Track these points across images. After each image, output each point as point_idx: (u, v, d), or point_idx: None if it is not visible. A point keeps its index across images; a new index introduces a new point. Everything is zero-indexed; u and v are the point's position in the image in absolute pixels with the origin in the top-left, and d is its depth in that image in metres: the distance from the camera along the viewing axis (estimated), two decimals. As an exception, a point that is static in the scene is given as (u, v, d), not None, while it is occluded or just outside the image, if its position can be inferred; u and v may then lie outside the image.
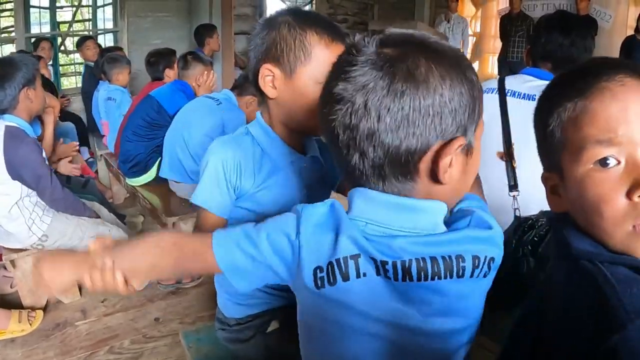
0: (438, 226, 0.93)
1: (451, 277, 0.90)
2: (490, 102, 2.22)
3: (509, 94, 2.22)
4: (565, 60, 2.19)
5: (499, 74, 8.62)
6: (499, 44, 8.76)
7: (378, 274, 0.90)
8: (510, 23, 8.34)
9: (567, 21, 2.26)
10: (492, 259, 0.95)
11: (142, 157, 3.59)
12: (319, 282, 0.91)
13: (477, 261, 0.92)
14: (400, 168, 0.87)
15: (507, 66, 8.32)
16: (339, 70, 0.88)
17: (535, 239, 1.84)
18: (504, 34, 8.45)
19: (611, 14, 8.04)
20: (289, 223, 0.96)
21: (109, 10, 8.20)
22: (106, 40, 7.90)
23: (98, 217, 3.21)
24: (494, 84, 2.31)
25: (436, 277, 0.89)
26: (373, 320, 0.93)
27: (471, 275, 0.92)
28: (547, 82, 2.11)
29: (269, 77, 1.36)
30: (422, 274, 0.89)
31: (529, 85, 2.21)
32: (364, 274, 0.89)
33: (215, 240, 0.99)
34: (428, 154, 0.86)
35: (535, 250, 1.86)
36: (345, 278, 0.90)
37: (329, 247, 0.91)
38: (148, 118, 3.57)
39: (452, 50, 0.91)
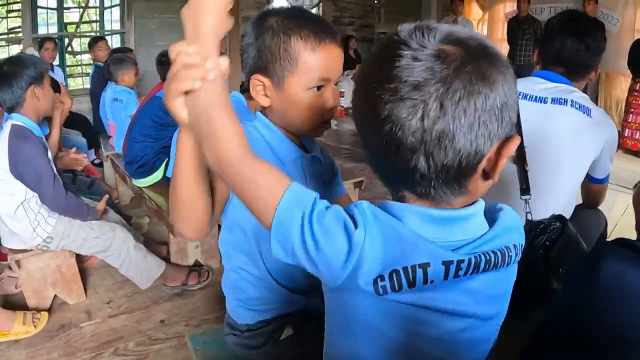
0: (484, 224, 0.97)
1: (502, 266, 0.95)
2: None
3: (520, 96, 2.16)
4: (580, 65, 2.18)
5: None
6: (506, 47, 8.69)
7: (445, 278, 0.88)
8: (517, 26, 8.28)
9: (581, 25, 2.21)
10: (521, 244, 1.03)
11: (149, 158, 3.57)
12: (380, 290, 0.87)
13: (516, 249, 0.99)
14: (465, 170, 0.86)
15: (515, 69, 8.23)
16: (392, 67, 0.83)
17: (547, 243, 1.83)
18: (512, 38, 8.40)
19: (618, 17, 7.99)
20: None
21: (116, 11, 8.23)
22: (113, 42, 7.92)
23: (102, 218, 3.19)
24: None
25: (491, 268, 0.93)
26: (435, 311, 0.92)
27: (513, 262, 0.99)
28: (560, 85, 2.10)
29: (260, 86, 1.37)
30: (480, 267, 0.91)
31: (541, 87, 2.17)
32: (432, 282, 0.87)
33: (289, 192, 0.87)
34: (490, 154, 0.86)
35: (547, 254, 1.83)
36: (412, 285, 0.87)
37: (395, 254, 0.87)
38: (155, 118, 3.55)
39: (498, 50, 0.91)
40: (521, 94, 2.15)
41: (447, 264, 0.87)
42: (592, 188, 2.38)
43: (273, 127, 1.43)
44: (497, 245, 0.94)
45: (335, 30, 1.37)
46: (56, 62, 6.69)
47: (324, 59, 1.32)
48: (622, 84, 7.95)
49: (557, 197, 2.11)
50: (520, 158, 2.00)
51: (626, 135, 7.53)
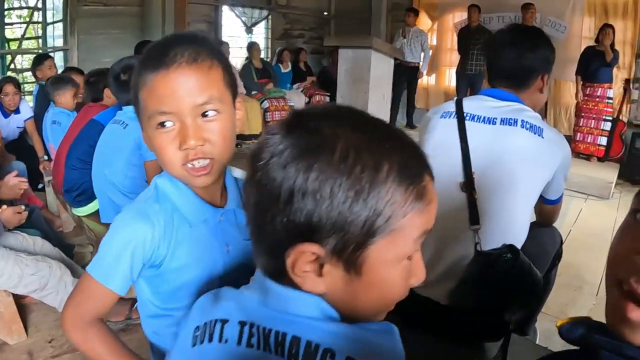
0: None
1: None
2: (449, 127, 2.08)
3: (467, 117, 2.06)
4: (521, 71, 2.10)
5: (456, 88, 8.68)
6: (456, 57, 8.78)
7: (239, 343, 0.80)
8: (468, 36, 8.36)
9: (515, 35, 2.16)
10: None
11: (88, 185, 3.40)
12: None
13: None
14: None
15: (466, 79, 8.40)
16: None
17: (498, 274, 1.76)
18: (462, 47, 8.47)
19: (566, 25, 8.15)
20: None
21: (59, 27, 7.99)
22: (56, 59, 7.67)
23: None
24: (452, 107, 2.15)
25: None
26: None
27: None
28: (510, 103, 2.03)
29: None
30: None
31: (489, 106, 2.07)
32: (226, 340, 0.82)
33: None
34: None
35: (498, 287, 1.77)
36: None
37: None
38: (93, 143, 3.37)
39: None
40: (468, 115, 2.05)
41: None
42: (545, 209, 2.30)
43: (179, 184, 1.25)
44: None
45: (173, 57, 1.15)
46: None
47: (161, 92, 1.15)
48: (571, 89, 8.13)
49: (509, 225, 1.99)
50: (468, 185, 1.92)
51: (577, 139, 7.73)
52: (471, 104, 2.10)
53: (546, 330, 3.07)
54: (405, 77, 8.78)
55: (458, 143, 2.00)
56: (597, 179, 6.79)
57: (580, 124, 7.73)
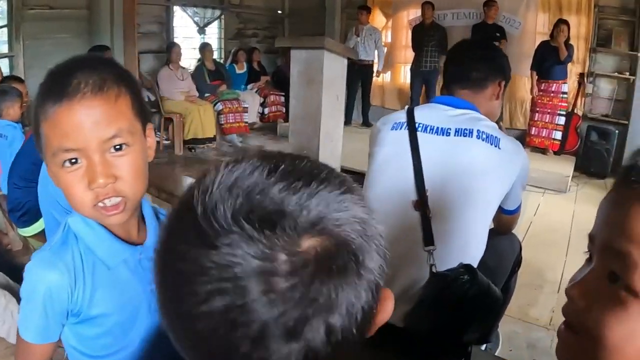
0: None
1: None
2: (400, 139, 1.94)
3: (419, 128, 1.93)
4: (476, 77, 2.03)
5: (411, 85, 8.68)
6: (410, 54, 8.75)
7: None
8: (422, 33, 8.35)
9: (472, 43, 2.12)
10: None
11: (32, 204, 3.21)
12: None
13: None
14: None
15: (421, 76, 8.40)
16: None
17: (455, 297, 1.66)
18: (417, 44, 8.46)
19: (520, 20, 8.18)
20: None
21: (3, 32, 7.71)
22: (1, 66, 7.39)
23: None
24: (402, 117, 2.01)
25: None
26: None
27: None
28: (465, 111, 1.93)
29: None
30: None
31: (442, 115, 1.96)
32: None
33: None
34: None
35: (455, 309, 1.67)
36: None
37: None
38: (35, 159, 3.20)
39: None
40: (420, 125, 1.93)
41: None
42: (504, 219, 2.20)
43: (92, 224, 1.13)
44: None
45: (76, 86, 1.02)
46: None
47: (64, 128, 1.03)
48: (525, 84, 8.18)
49: (466, 244, 1.87)
50: (421, 204, 1.80)
51: (533, 133, 7.84)
52: (423, 114, 1.99)
53: (509, 332, 3.03)
54: (360, 75, 8.74)
55: (410, 157, 1.88)
56: (553, 173, 6.83)
57: (536, 119, 7.82)
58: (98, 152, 1.03)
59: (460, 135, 1.87)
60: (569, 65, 7.62)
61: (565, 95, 7.69)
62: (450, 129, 1.90)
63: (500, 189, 1.89)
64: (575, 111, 7.93)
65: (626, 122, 7.80)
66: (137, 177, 1.09)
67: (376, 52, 8.93)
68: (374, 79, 9.24)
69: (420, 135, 1.91)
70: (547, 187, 6.73)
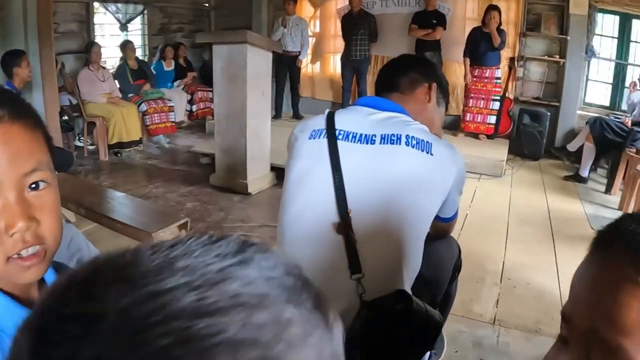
0: None
1: None
2: (318, 150, 1.67)
3: (340, 136, 1.67)
4: (405, 79, 1.84)
5: (342, 74, 8.57)
6: (340, 43, 8.64)
7: None
8: (351, 22, 8.23)
9: (399, 57, 1.95)
10: None
11: None
12: None
13: None
14: None
15: (351, 65, 8.30)
16: None
17: (390, 327, 1.46)
18: (346, 33, 8.34)
19: (450, 7, 8.17)
20: None
21: None
22: None
23: None
24: (321, 123, 1.73)
25: None
26: None
27: None
28: (393, 115, 1.66)
29: None
30: None
31: (366, 120, 1.71)
32: None
33: None
34: None
35: (389, 339, 1.47)
36: None
37: None
38: None
39: None
40: (342, 133, 1.67)
41: None
42: (440, 226, 1.96)
43: None
44: None
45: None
46: None
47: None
48: (457, 70, 8.22)
49: (399, 265, 1.61)
50: (344, 226, 1.55)
51: (467, 119, 7.95)
52: (345, 118, 1.73)
53: (453, 332, 2.89)
54: (287, 67, 8.62)
55: (329, 171, 1.62)
56: (488, 158, 6.84)
57: (470, 105, 7.87)
58: (15, 189, 0.82)
59: (387, 143, 1.63)
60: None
61: (499, 81, 7.79)
62: (375, 136, 1.65)
63: (435, 200, 1.67)
64: (506, 95, 8.05)
65: (557, 104, 7.99)
66: (58, 221, 0.88)
67: (302, 43, 8.72)
68: (303, 70, 9.07)
69: (341, 144, 1.65)
70: (483, 173, 6.74)
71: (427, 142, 1.64)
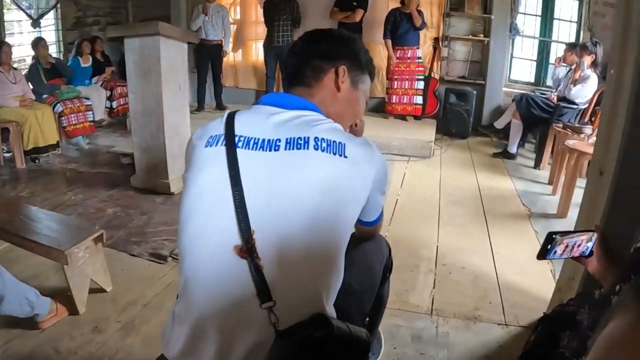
0: None
1: None
2: (216, 160, 1.42)
3: (240, 143, 1.43)
4: (309, 68, 1.62)
5: (265, 61, 8.46)
6: (262, 30, 8.50)
7: None
8: (273, 7, 8.09)
9: (300, 39, 1.71)
10: None
11: None
12: None
13: None
14: None
15: (274, 51, 8.20)
16: None
17: (310, 357, 1.24)
18: (268, 19, 8.19)
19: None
20: None
21: None
22: None
23: None
24: (220, 127, 1.50)
25: None
26: None
27: None
28: (301, 113, 1.38)
29: None
30: None
31: (269, 122, 1.46)
32: None
33: None
34: None
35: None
36: None
37: None
38: None
39: None
40: (242, 139, 1.44)
41: None
42: (365, 230, 1.80)
43: None
44: None
45: None
46: None
47: None
48: (380, 53, 8.18)
49: (315, 286, 1.39)
50: (248, 249, 1.32)
51: (393, 102, 8.03)
52: (245, 122, 1.50)
53: (390, 327, 2.80)
54: (209, 56, 8.45)
55: (228, 186, 1.38)
56: (416, 140, 6.84)
57: (395, 87, 7.87)
58: None
59: (294, 148, 1.40)
60: (424, 30, 7.75)
61: (421, 60, 7.82)
62: (279, 141, 1.42)
63: (354, 207, 1.47)
64: (432, 75, 8.14)
65: (483, 82, 8.15)
66: None
67: (223, 31, 8.49)
68: (225, 58, 8.86)
69: (241, 152, 1.41)
70: (412, 154, 6.74)
71: (340, 143, 1.42)
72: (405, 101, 7.90)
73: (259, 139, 1.43)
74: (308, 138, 1.40)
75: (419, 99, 7.90)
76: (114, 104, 8.30)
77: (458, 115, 7.77)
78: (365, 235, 1.84)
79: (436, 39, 8.21)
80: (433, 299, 3.14)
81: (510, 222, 4.59)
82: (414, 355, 2.63)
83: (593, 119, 5.86)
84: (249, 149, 1.41)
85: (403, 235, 4.05)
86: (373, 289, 1.83)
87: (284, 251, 1.33)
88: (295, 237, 1.34)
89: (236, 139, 1.44)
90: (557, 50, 7.87)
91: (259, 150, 1.41)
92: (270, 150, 1.40)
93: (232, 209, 1.35)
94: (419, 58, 7.79)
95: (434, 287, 3.29)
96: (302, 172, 1.37)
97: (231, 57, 9.26)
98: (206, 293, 1.33)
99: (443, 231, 4.26)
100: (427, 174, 6.05)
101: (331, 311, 1.41)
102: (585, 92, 6.10)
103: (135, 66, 4.57)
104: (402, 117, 7.98)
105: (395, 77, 7.78)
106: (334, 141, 1.42)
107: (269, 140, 1.42)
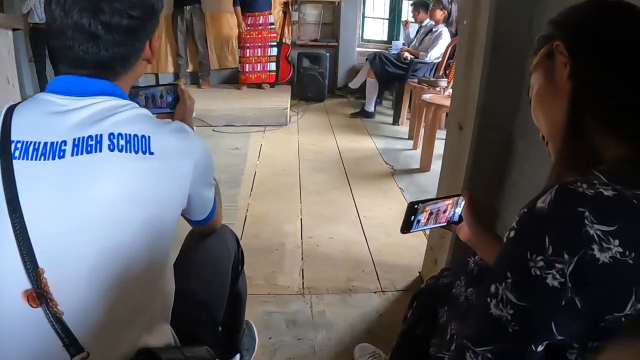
0: None
1: None
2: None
3: (17, 152, 1.03)
4: (109, 63, 1.14)
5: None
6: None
7: None
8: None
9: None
10: None
11: None
12: None
13: None
14: None
15: None
16: None
17: None
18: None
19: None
20: None
21: None
22: None
23: None
24: None
25: None
26: None
27: None
28: (95, 100, 0.99)
29: None
30: None
31: (56, 119, 1.07)
32: None
33: None
34: None
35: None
36: None
37: None
38: None
39: None
40: (20, 145, 1.03)
41: None
42: (200, 229, 1.54)
43: None
44: None
45: None
46: None
47: None
48: (229, 21, 7.98)
49: (136, 320, 1.12)
50: (38, 295, 0.99)
51: (247, 70, 7.88)
52: (23, 121, 1.08)
53: (262, 316, 2.56)
54: (45, 42, 7.56)
55: (6, 213, 1.00)
56: (271, 109, 6.66)
57: (247, 55, 7.65)
58: None
59: (82, 152, 1.03)
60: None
61: (273, 26, 7.65)
62: (65, 144, 1.04)
63: (171, 211, 1.16)
64: (283, 40, 8.00)
65: (335, 44, 8.14)
66: None
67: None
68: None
69: (18, 165, 1.03)
70: (268, 124, 6.54)
71: (142, 136, 1.08)
72: (259, 69, 7.71)
73: (39, 144, 1.04)
74: (100, 136, 1.05)
75: (272, 66, 7.74)
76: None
77: (313, 79, 7.68)
78: (205, 231, 1.57)
79: (286, 4, 8.06)
80: (303, 277, 2.95)
81: (374, 182, 4.51)
82: (291, 342, 2.41)
83: (447, 72, 5.93)
84: (27, 158, 1.03)
85: (265, 211, 3.82)
86: (224, 293, 1.57)
87: (87, 289, 1.00)
88: (100, 269, 1.02)
89: (12, 146, 1.04)
90: (408, 8, 7.93)
91: (40, 159, 1.03)
92: (53, 159, 1.03)
93: (14, 244, 0.99)
94: (272, 24, 7.59)
95: (302, 264, 3.10)
96: (96, 184, 1.03)
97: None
98: (3, 355, 1.00)
99: (306, 201, 4.07)
100: (285, 142, 5.86)
101: (161, 337, 1.15)
102: (439, 50, 6.26)
103: (-47, 61, 3.97)
104: (258, 86, 7.80)
105: (248, 44, 7.55)
106: (134, 135, 1.08)
107: (52, 144, 1.04)
